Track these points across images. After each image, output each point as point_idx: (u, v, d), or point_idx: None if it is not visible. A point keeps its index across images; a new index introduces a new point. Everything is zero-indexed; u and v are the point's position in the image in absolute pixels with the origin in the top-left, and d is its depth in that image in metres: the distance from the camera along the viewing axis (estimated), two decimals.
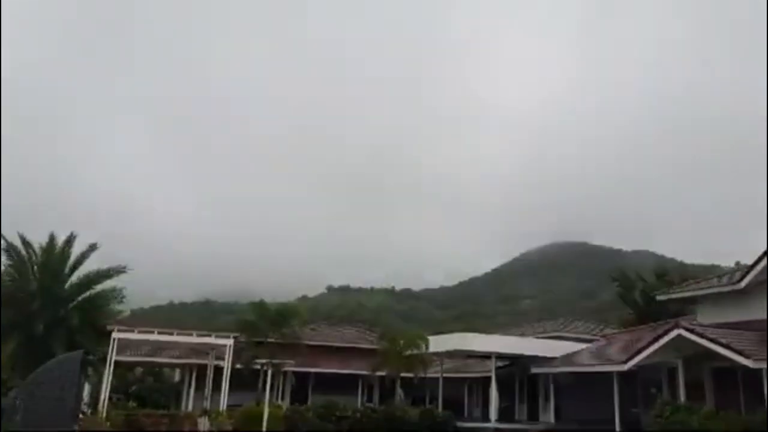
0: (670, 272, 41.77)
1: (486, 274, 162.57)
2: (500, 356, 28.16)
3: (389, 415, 24.65)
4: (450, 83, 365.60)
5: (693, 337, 18.63)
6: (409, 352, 27.92)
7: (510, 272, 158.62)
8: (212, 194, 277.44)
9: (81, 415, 19.74)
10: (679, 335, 19.05)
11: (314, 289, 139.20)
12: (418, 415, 25.21)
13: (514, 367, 30.07)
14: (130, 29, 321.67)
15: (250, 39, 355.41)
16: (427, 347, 27.85)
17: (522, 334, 33.46)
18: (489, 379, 28.21)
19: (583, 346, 28.28)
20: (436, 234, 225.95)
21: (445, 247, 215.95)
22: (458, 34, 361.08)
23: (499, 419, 26.97)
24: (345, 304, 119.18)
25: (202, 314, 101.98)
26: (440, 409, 27.92)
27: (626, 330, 30.74)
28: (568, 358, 26.66)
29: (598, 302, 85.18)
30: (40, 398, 14.27)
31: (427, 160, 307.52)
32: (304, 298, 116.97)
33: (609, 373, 22.97)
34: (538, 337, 31.14)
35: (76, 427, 16.48)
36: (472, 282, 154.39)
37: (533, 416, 29.49)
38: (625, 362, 21.39)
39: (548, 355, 27.36)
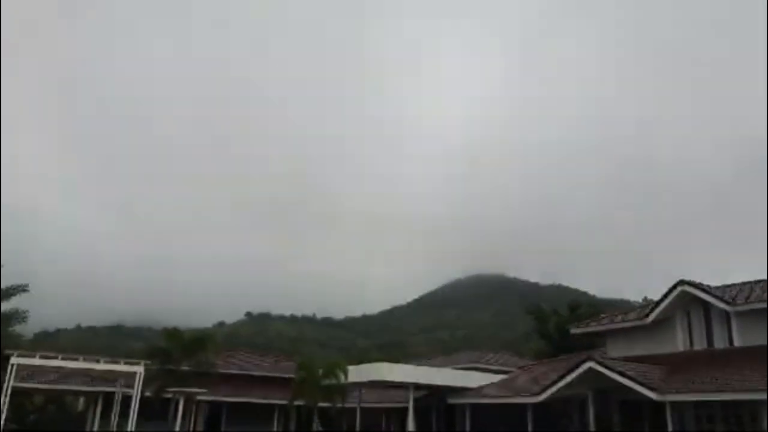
0: (582, 306, 43.56)
1: (408, 304, 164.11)
2: (418, 386, 28.26)
3: None
4: (373, 105, 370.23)
5: (603, 370, 19.45)
6: (327, 382, 27.54)
7: (431, 302, 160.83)
8: (124, 213, 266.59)
9: None
10: (591, 368, 19.85)
11: (232, 315, 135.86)
12: None
13: (432, 397, 30.24)
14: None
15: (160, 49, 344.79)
16: (346, 376, 27.57)
17: (441, 365, 33.77)
18: (407, 409, 28.21)
19: (500, 377, 28.87)
20: (357, 262, 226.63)
21: (366, 276, 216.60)
22: (386, 53, 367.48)
23: None
24: (264, 332, 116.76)
25: (112, 339, 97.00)
26: None
27: (541, 362, 31.68)
28: (483, 389, 27.11)
29: (517, 334, 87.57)
30: None
31: (350, 188, 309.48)
32: (222, 324, 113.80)
33: (523, 405, 23.51)
34: (456, 368, 31.52)
35: None
36: (394, 311, 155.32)
37: None
38: (539, 394, 22.00)
39: (466, 385, 27.71)
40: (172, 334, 27.41)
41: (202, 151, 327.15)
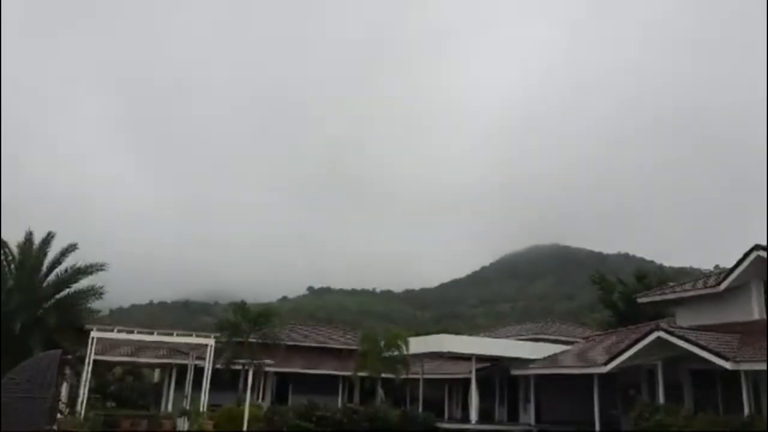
0: (649, 275, 42.30)
1: (467, 277, 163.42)
2: (480, 358, 28.25)
3: (370, 415, 24.61)
4: (422, 79, 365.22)
5: (673, 339, 18.90)
6: (389, 353, 27.91)
7: (490, 275, 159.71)
8: (190, 194, 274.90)
9: (59, 415, 19.43)
10: (659, 337, 19.32)
11: (294, 290, 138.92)
12: (398, 416, 25.21)
13: (494, 368, 30.21)
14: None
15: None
16: (407, 348, 27.87)
17: (502, 336, 33.62)
18: (469, 380, 28.29)
19: (563, 348, 28.50)
20: (416, 236, 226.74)
21: (425, 249, 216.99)
22: (431, 26, 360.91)
23: (480, 420, 27.08)
24: (326, 306, 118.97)
25: (181, 314, 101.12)
26: (420, 409, 27.94)
27: (606, 332, 31.07)
28: (548, 360, 26.83)
29: (578, 305, 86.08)
30: (17, 397, 14.02)
31: (406, 160, 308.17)
32: (284, 299, 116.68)
33: (589, 375, 23.16)
34: (518, 339, 31.31)
35: (54, 427, 16.21)
36: (453, 284, 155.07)
37: (513, 417, 29.65)
38: (606, 364, 21.60)
39: (528, 356, 27.53)
40: (240, 308, 28.39)
41: (260, 132, 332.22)
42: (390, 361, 27.78)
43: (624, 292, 39.28)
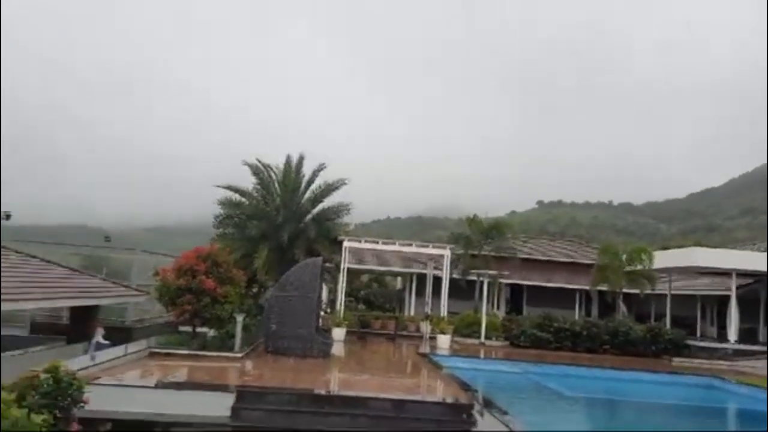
0: None
1: (723, 185, 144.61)
2: (741, 273, 25.22)
3: (612, 329, 23.83)
4: None
5: None
6: (631, 268, 26.42)
7: (750, 183, 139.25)
8: (409, 113, 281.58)
9: (322, 313, 22.36)
10: None
11: (523, 204, 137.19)
12: (644, 331, 23.97)
13: (759, 285, 26.80)
14: None
15: None
16: (651, 262, 26.04)
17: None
18: (726, 298, 25.60)
19: None
20: (659, 140, 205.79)
21: (670, 155, 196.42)
22: None
23: (739, 341, 24.54)
24: (556, 220, 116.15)
25: (414, 228, 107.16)
26: (668, 326, 26.22)
27: None
28: None
29: None
30: (290, 296, 16.40)
31: (639, 46, 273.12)
32: (513, 213, 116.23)
33: None
34: None
35: (320, 322, 18.72)
36: (706, 193, 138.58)
37: None
38: None
39: None
40: (472, 220, 28.98)
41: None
42: (632, 276, 26.36)
43: None
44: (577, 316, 29.42)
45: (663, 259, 26.53)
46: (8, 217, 25.61)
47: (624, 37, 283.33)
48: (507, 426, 9.37)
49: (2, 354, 14.89)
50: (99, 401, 7.70)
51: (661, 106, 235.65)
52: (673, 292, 28.23)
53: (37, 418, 5.84)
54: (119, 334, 17.72)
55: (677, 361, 22.69)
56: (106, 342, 14.93)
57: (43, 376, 7.03)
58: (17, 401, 6.22)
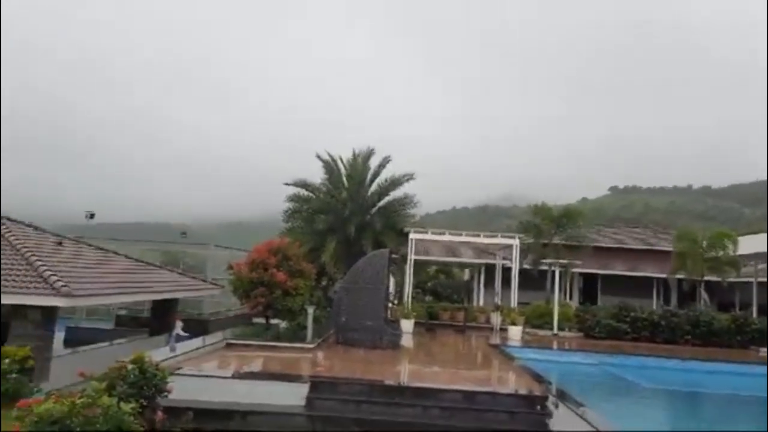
0: None
1: None
2: None
3: (692, 319, 22.73)
4: None
5: None
6: (713, 254, 25.10)
7: None
8: (466, 100, 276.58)
9: (390, 305, 22.46)
10: None
11: (595, 190, 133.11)
12: (729, 320, 22.75)
13: None
14: None
15: None
16: (736, 248, 24.65)
17: None
18: None
19: None
20: (740, 117, 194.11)
21: (756, 132, 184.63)
22: None
23: None
24: (630, 206, 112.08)
25: (480, 218, 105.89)
26: (755, 315, 24.77)
27: None
28: None
29: None
30: (359, 287, 16.55)
31: (723, 24, 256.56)
32: (584, 200, 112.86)
33: None
34: None
35: (388, 314, 18.82)
36: None
37: None
38: None
39: None
40: (541, 209, 28.27)
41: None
42: (714, 263, 25.04)
43: None
44: (654, 306, 28.29)
45: (749, 244, 25.07)
46: (92, 216, 27.10)
47: (708, 15, 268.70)
48: (582, 417, 9.12)
49: (92, 346, 15.79)
50: (180, 391, 8.03)
51: (744, 86, 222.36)
52: (760, 279, 26.65)
53: (126, 407, 6.15)
54: (196, 326, 18.47)
55: (765, 352, 21.43)
56: (185, 334, 15.57)
57: (129, 366, 7.40)
58: (107, 390, 6.58)
